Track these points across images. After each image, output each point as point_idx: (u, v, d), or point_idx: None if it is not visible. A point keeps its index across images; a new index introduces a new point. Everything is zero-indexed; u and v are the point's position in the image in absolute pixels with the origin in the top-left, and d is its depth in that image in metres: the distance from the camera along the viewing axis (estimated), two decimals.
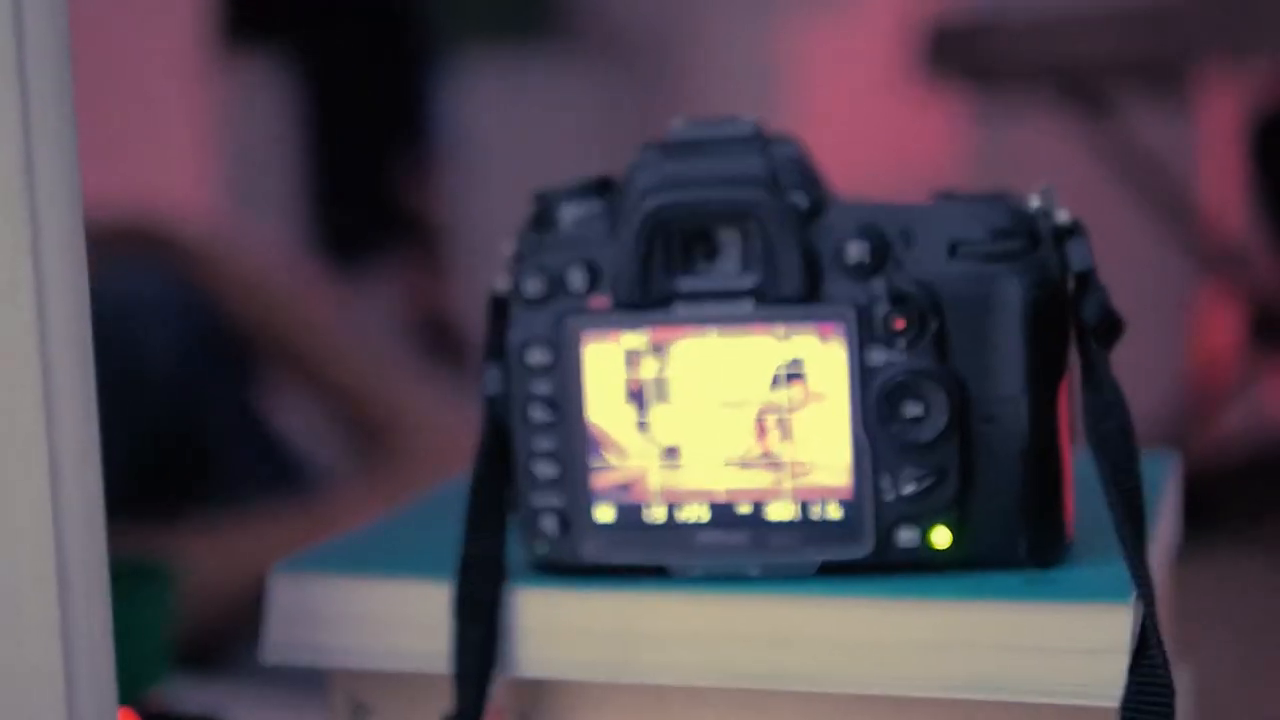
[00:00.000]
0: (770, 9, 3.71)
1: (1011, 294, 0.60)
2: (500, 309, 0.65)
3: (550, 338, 0.63)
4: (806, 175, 0.62)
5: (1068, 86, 2.73)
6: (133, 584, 0.91)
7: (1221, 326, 3.16)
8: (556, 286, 0.63)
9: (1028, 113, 3.02)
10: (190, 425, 1.51)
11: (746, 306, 0.61)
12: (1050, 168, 3.43)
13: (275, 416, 1.59)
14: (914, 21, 2.96)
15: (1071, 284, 0.62)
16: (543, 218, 0.64)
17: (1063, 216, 0.62)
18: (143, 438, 1.47)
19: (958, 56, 2.76)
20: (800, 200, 0.61)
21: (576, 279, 0.62)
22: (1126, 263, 3.16)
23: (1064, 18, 2.66)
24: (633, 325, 0.62)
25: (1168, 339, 3.23)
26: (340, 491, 1.53)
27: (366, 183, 3.54)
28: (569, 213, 0.63)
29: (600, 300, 0.62)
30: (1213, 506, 2.46)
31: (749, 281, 0.61)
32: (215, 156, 3.01)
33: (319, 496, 1.51)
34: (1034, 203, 0.63)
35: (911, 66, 2.84)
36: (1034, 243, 0.61)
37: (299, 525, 1.40)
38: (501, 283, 0.66)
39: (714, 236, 0.62)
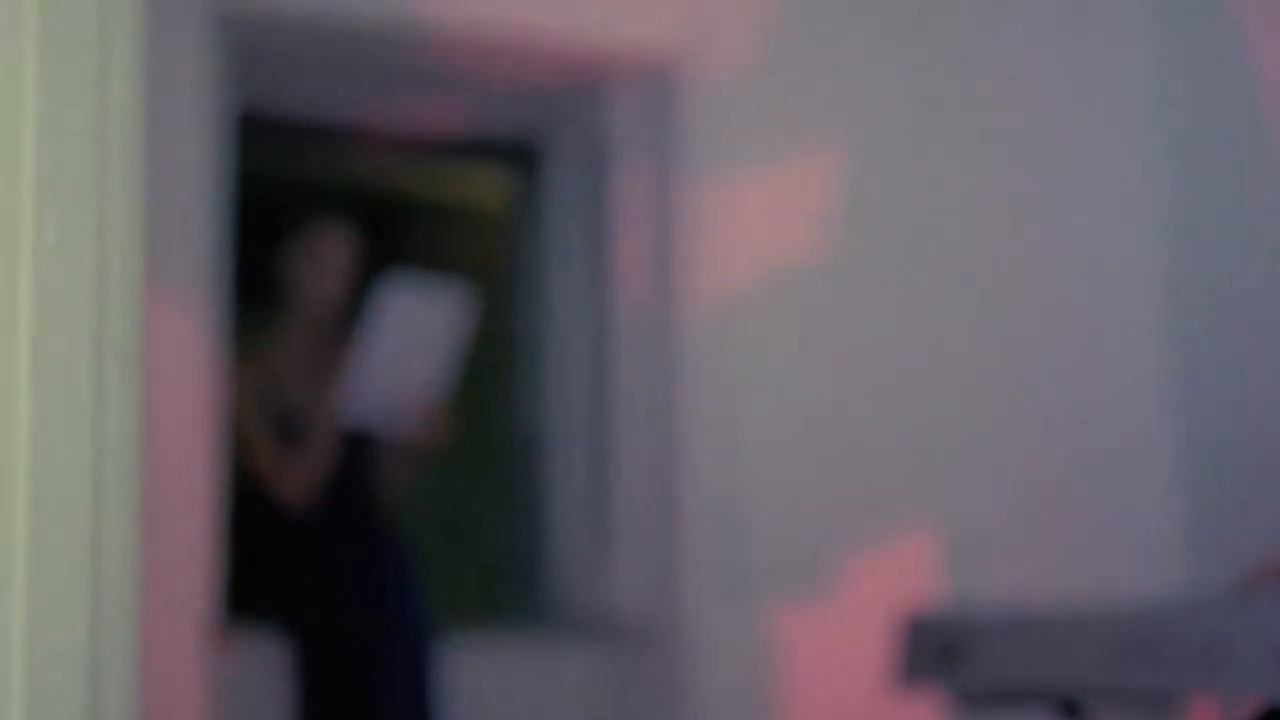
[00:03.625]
0: (759, 595, 3.80)
1: None
2: None
3: None
4: None
5: (1049, 704, 2.79)
6: None
7: None
8: None
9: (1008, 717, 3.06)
10: None
11: None
12: None
13: None
14: (899, 620, 3.02)
15: None
16: None
17: None
18: None
19: (940, 670, 2.82)
20: None
21: None
22: None
23: (1045, 637, 2.74)
24: None
25: None
26: None
27: None
28: None
29: None
30: None
31: None
32: None
33: None
34: None
35: (895, 663, 2.89)
36: None
37: None
38: None
39: None
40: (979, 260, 4.09)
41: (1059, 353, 3.82)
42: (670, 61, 3.95)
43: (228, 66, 3.68)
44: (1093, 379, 3.72)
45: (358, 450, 3.98)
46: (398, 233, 6.57)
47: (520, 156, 4.43)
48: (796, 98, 4.05)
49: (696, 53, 3.94)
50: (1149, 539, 3.51)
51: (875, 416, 3.99)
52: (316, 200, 6.16)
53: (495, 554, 5.62)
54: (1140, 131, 3.72)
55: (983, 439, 4.01)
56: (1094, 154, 4.03)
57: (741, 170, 3.96)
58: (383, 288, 3.72)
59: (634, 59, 3.97)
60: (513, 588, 4.40)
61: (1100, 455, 3.66)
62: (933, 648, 2.86)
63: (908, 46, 4.16)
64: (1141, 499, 3.53)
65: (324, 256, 3.97)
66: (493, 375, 4.85)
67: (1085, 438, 3.71)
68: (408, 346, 3.77)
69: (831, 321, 3.99)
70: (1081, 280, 3.75)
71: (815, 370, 3.96)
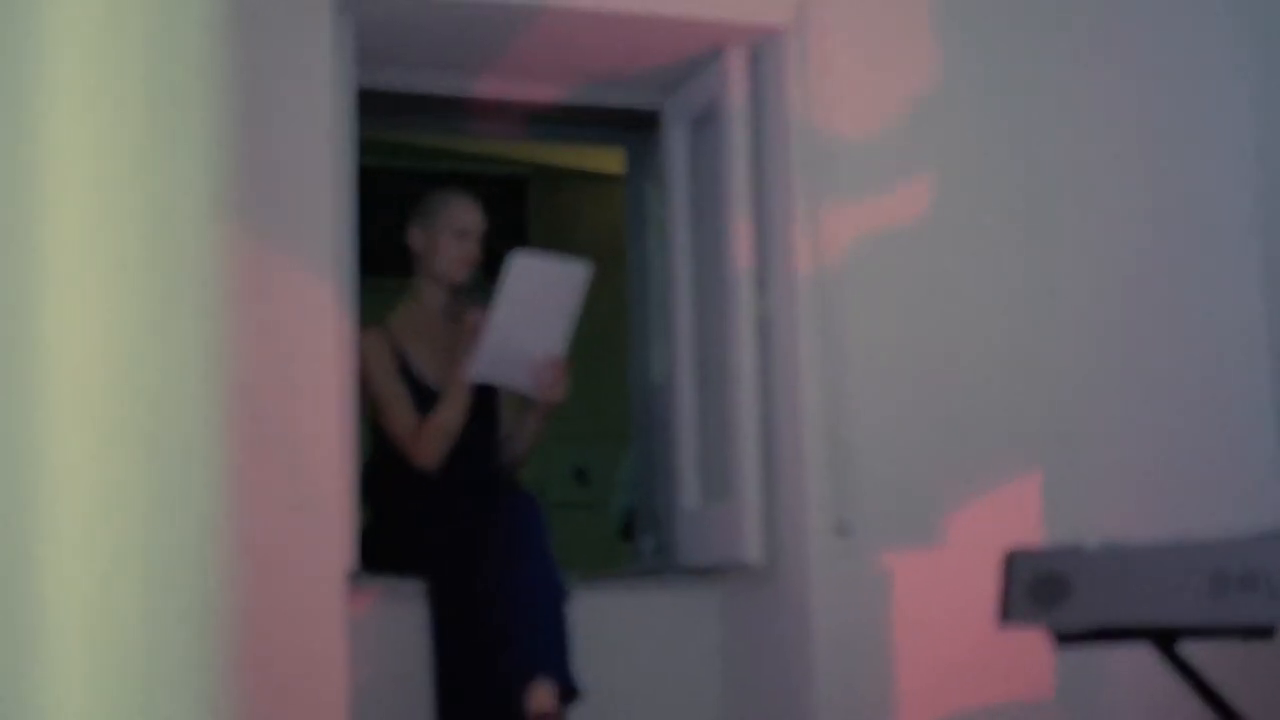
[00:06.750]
0: (871, 541, 3.90)
1: None
2: None
3: None
4: None
5: (1151, 638, 2.87)
6: None
7: None
8: None
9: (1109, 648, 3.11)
10: None
11: None
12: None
13: None
14: (1002, 559, 3.08)
15: None
16: None
17: None
18: None
19: (1043, 607, 2.89)
20: None
21: None
22: None
23: (1146, 572, 2.80)
24: None
25: None
26: None
27: None
28: None
29: None
30: None
31: None
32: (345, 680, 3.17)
33: None
34: None
35: (1000, 601, 2.94)
36: None
37: None
38: None
39: None
40: (1083, 210, 4.15)
41: (1161, 300, 3.86)
42: (782, 29, 4.04)
43: (353, 43, 3.83)
44: (1196, 326, 3.76)
45: (487, 409, 4.14)
46: (520, 199, 6.74)
47: (636, 124, 4.55)
48: (905, 64, 4.13)
49: (807, 20, 4.03)
50: (1255, 486, 3.54)
51: (981, 364, 4.07)
52: (443, 170, 6.33)
53: (618, 505, 5.77)
54: (1237, 66, 3.75)
55: (1087, 384, 4.07)
56: (1197, 97, 4.06)
57: (851, 135, 4.05)
58: (512, 259, 3.87)
59: (747, 27, 4.06)
60: (635, 537, 4.53)
61: (1206, 401, 3.70)
62: (1036, 585, 2.93)
63: (1017, 10, 4.23)
64: (1249, 445, 3.57)
65: (451, 225, 4.13)
66: (614, 335, 4.99)
67: (1189, 384, 3.75)
68: (535, 314, 3.93)
69: (937, 273, 4.07)
70: (1184, 225, 3.78)
71: (922, 320, 4.04)
